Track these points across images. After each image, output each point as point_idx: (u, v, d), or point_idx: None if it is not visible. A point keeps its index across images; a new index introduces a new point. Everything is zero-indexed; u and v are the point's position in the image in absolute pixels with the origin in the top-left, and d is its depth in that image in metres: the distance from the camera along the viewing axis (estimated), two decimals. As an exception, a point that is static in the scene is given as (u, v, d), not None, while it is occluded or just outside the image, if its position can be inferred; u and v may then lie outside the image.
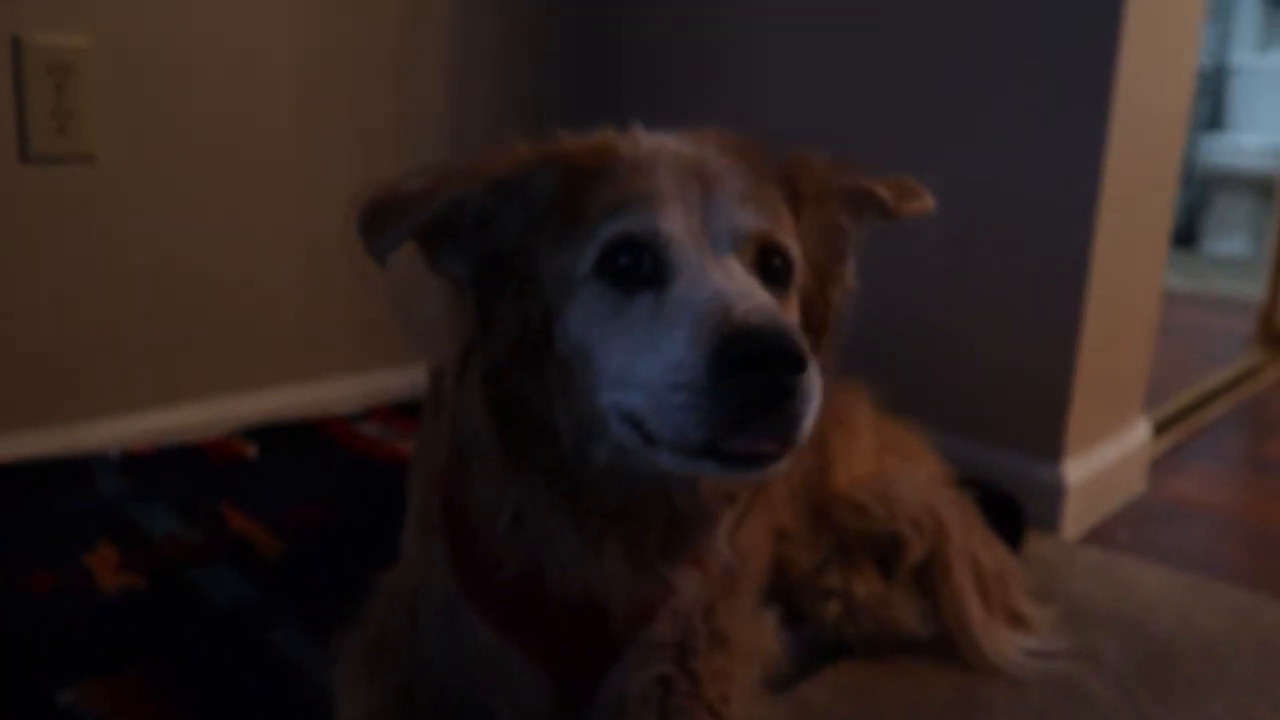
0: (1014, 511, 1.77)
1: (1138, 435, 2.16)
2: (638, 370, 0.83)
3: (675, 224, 0.88)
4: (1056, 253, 1.86)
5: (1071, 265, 1.84)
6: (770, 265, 0.93)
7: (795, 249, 0.95)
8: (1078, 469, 1.93)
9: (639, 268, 0.87)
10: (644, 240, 0.87)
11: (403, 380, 2.31)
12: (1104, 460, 2.02)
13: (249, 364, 2.14)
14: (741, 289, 0.84)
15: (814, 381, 0.79)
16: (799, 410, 0.78)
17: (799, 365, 0.77)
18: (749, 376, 0.76)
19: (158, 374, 2.02)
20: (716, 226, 0.90)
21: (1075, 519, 1.93)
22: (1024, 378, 1.93)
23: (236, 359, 2.13)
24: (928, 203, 1.04)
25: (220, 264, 2.07)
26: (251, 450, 2.00)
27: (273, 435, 2.07)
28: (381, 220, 0.87)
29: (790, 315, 0.95)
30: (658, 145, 0.96)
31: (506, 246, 0.92)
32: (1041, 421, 1.92)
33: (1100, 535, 1.95)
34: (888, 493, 1.52)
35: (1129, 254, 1.95)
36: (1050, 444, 1.91)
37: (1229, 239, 5.72)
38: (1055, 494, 1.90)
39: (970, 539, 1.54)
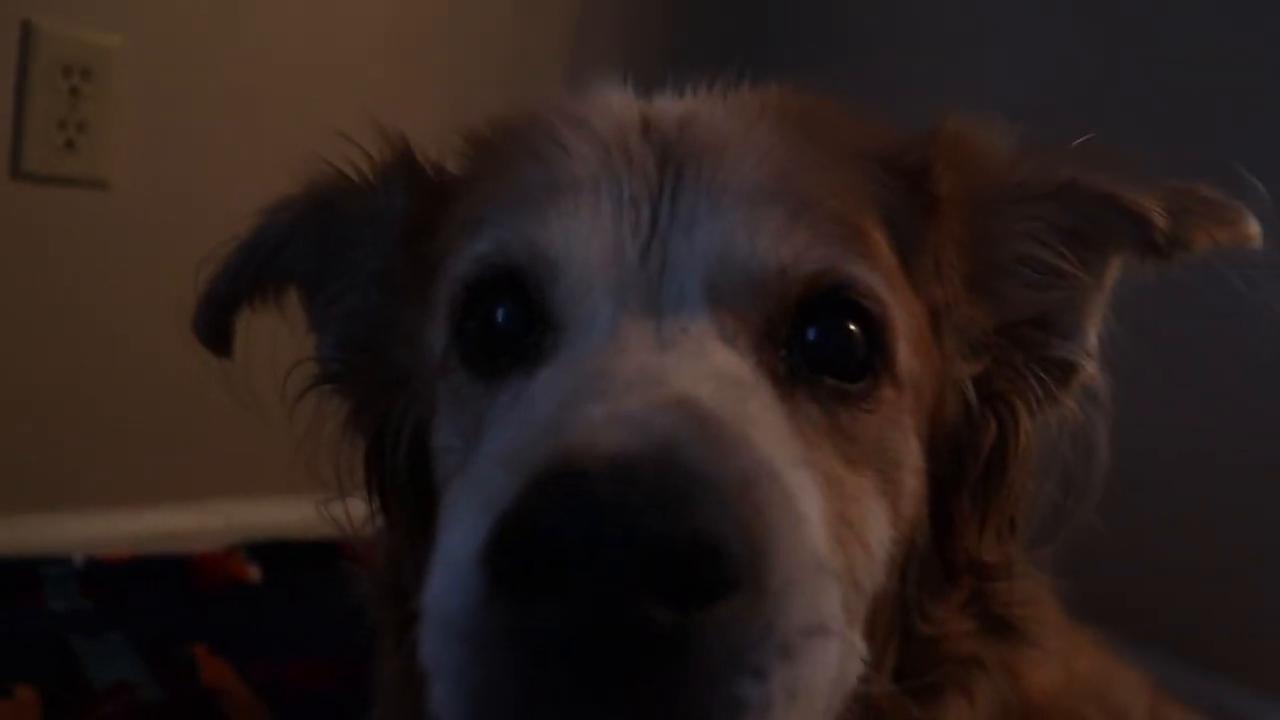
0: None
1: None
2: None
3: (577, 238, 0.49)
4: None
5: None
6: (828, 341, 0.49)
7: (893, 300, 0.50)
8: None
9: (515, 327, 0.51)
10: (519, 270, 0.50)
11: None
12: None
13: (269, 463, 1.71)
14: (651, 371, 0.43)
15: (787, 613, 0.38)
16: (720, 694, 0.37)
17: (707, 569, 0.35)
18: (553, 599, 0.36)
19: (152, 463, 1.64)
20: (675, 252, 0.48)
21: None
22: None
23: (256, 455, 1.69)
24: (1245, 230, 0.57)
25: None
26: (253, 572, 1.63)
27: (284, 554, 1.67)
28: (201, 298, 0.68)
29: (883, 441, 0.51)
30: (620, 107, 0.55)
31: (365, 319, 0.64)
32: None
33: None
34: (1105, 697, 1.05)
35: None
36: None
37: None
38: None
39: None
